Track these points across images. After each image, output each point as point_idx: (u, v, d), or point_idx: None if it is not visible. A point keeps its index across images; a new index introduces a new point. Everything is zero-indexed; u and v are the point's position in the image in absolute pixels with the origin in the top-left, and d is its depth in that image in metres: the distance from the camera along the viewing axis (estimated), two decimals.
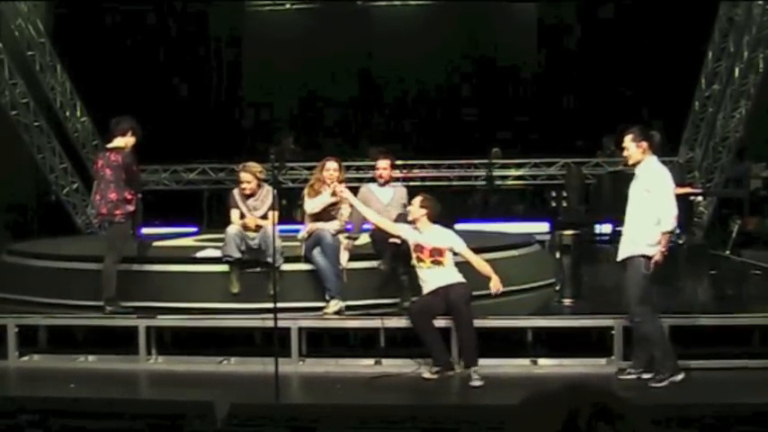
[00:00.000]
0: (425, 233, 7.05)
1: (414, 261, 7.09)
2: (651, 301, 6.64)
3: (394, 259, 7.41)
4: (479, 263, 7.04)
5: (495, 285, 6.89)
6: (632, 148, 6.57)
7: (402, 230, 7.21)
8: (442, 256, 6.98)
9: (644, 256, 6.42)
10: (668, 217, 6.40)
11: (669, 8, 13.61)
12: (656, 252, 6.40)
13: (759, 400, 5.79)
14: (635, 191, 6.57)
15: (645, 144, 6.55)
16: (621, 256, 6.60)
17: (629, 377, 6.63)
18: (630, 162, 6.66)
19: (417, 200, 7.15)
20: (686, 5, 13.33)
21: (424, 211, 7.05)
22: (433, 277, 6.95)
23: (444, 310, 6.87)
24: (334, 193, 7.65)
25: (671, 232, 6.47)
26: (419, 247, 7.03)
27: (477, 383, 6.58)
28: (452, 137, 14.81)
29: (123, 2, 14.53)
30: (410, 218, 7.14)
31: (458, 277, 6.97)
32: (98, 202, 7.75)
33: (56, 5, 14.47)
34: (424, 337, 6.86)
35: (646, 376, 6.58)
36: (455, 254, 7.05)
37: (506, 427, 1.37)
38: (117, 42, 14.43)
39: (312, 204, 7.72)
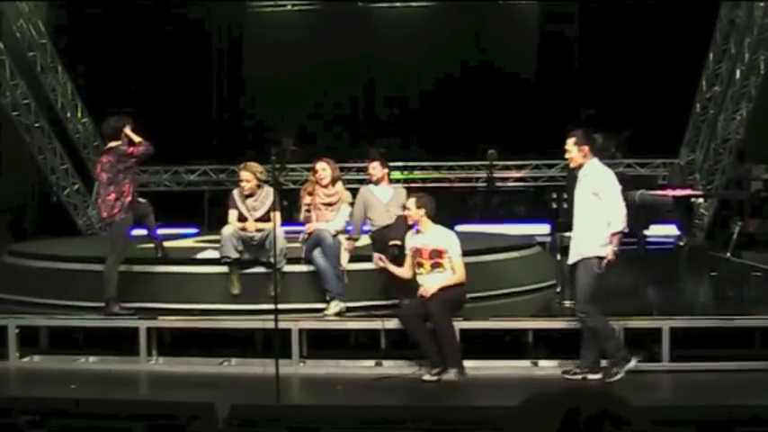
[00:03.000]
0: (426, 233, 7.02)
1: (415, 270, 7.03)
2: (600, 300, 6.72)
3: (394, 260, 7.41)
4: (459, 273, 6.94)
5: (430, 290, 6.84)
6: (574, 151, 6.72)
7: (409, 239, 7.14)
8: (442, 258, 6.93)
9: (597, 257, 6.53)
10: (618, 217, 6.52)
11: (670, 10, 13.60)
12: (608, 252, 6.51)
13: (760, 402, 5.79)
14: (580, 194, 6.70)
15: (586, 148, 6.68)
16: (573, 258, 6.73)
17: (575, 377, 6.70)
18: (572, 165, 6.84)
19: (412, 202, 7.06)
20: (687, 7, 13.33)
21: (422, 211, 7.01)
22: (431, 283, 6.92)
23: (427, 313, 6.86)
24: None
25: (621, 232, 6.57)
26: (418, 251, 6.98)
27: (453, 377, 6.58)
28: (453, 138, 14.79)
29: (124, 2, 14.53)
30: (410, 221, 7.11)
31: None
32: (100, 206, 7.80)
33: (56, 6, 14.47)
34: (418, 341, 6.85)
35: (591, 377, 6.68)
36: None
37: (506, 428, 1.37)
38: (118, 43, 14.42)
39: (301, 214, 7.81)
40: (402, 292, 7.41)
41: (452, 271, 6.94)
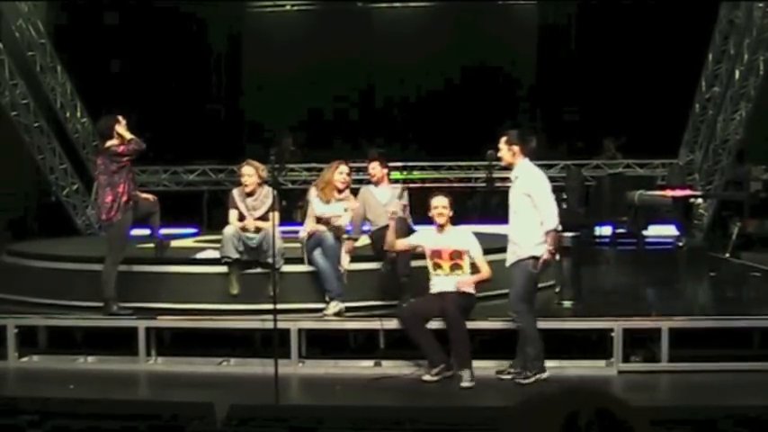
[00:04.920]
0: (446, 234, 7.01)
1: (430, 268, 7.01)
2: (532, 301, 6.78)
3: (394, 261, 7.41)
4: (486, 270, 6.97)
5: (465, 284, 6.88)
6: (504, 150, 6.77)
7: (418, 240, 7.11)
8: (462, 259, 6.93)
9: (532, 257, 6.56)
10: (550, 216, 6.56)
11: (669, 10, 13.60)
12: (543, 252, 6.54)
13: (758, 403, 5.79)
14: (514, 194, 6.74)
15: (516, 148, 6.71)
16: (510, 261, 6.74)
17: (508, 377, 6.77)
18: (504, 164, 6.89)
19: (446, 201, 7.01)
20: (687, 8, 13.33)
21: (451, 213, 7.03)
22: (448, 284, 6.90)
23: (438, 313, 6.86)
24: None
25: (555, 230, 6.60)
26: (437, 253, 6.95)
27: (467, 384, 6.60)
28: (452, 139, 14.80)
29: (123, 2, 14.53)
30: (441, 220, 7.02)
31: None
32: (99, 206, 7.82)
33: (56, 6, 14.46)
34: (417, 341, 6.85)
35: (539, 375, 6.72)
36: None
37: (506, 429, 1.37)
38: (117, 43, 14.43)
39: (322, 210, 7.70)
40: (401, 292, 7.41)
41: (484, 266, 6.94)
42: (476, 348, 7.00)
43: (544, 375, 6.64)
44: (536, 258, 6.56)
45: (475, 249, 6.98)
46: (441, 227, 7.00)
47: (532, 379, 6.60)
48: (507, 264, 6.78)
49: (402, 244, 7.17)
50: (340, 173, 7.75)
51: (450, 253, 6.93)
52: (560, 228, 6.75)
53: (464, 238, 7.04)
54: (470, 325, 7.11)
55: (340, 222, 7.70)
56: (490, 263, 7.13)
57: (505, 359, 7.11)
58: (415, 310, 6.91)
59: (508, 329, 7.35)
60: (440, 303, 6.81)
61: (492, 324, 7.28)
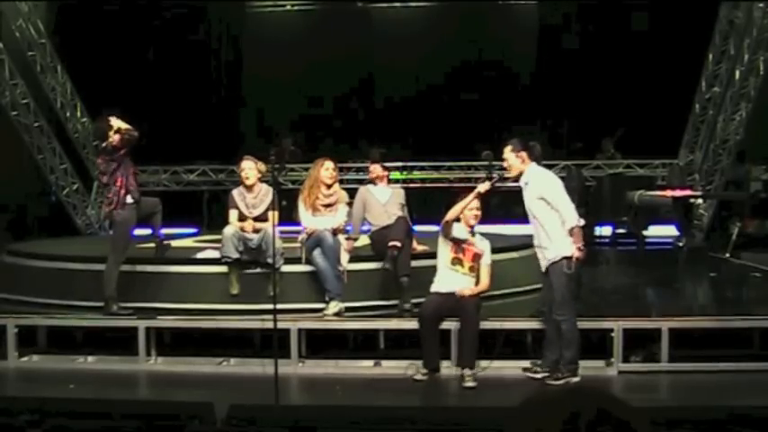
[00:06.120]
0: (475, 238, 7.07)
1: (448, 262, 7.00)
2: (573, 302, 6.77)
3: (394, 260, 7.40)
4: (486, 283, 7.04)
5: (467, 292, 6.90)
6: (512, 158, 6.72)
7: (456, 229, 7.08)
8: (480, 264, 6.99)
9: (564, 258, 6.53)
10: (569, 213, 6.53)
11: (669, 10, 13.60)
12: (573, 250, 6.51)
13: (759, 403, 5.79)
14: (529, 200, 6.70)
15: (524, 154, 6.69)
16: (543, 266, 6.70)
17: (536, 375, 6.78)
18: (513, 173, 6.81)
19: (477, 203, 7.07)
20: (687, 8, 13.33)
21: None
22: (457, 284, 6.93)
23: (452, 312, 6.88)
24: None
25: (577, 226, 6.56)
26: (461, 248, 6.99)
27: (471, 384, 6.62)
28: (452, 138, 14.80)
29: (123, 2, 14.52)
30: (475, 222, 7.05)
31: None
32: (102, 203, 7.87)
33: (56, 5, 14.45)
34: (426, 340, 6.84)
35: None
36: None
37: (506, 429, 1.37)
38: (117, 42, 14.42)
39: (311, 223, 7.67)
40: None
41: (486, 277, 7.01)
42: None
43: (575, 379, 6.60)
44: (568, 258, 6.53)
45: (488, 259, 7.06)
46: (471, 227, 7.04)
47: (563, 381, 6.56)
48: (543, 269, 6.74)
49: (455, 213, 6.99)
50: (326, 169, 7.76)
51: (474, 255, 6.98)
52: (582, 222, 6.70)
53: (486, 245, 7.11)
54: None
55: (335, 225, 7.69)
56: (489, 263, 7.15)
57: (506, 359, 7.12)
58: (436, 310, 6.88)
59: (505, 329, 7.36)
60: (455, 301, 6.83)
61: (490, 324, 7.28)
